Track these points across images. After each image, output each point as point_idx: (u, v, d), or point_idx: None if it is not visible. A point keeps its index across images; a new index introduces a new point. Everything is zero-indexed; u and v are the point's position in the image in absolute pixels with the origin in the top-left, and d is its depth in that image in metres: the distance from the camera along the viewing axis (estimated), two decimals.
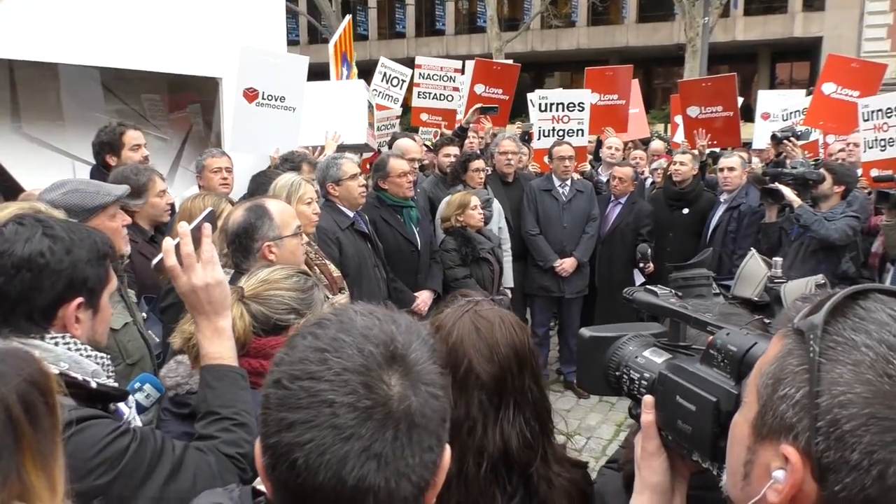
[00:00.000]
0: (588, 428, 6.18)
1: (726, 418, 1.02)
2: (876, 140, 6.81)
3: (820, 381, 0.78)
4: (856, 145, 7.19)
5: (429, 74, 9.43)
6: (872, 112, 6.85)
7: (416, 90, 9.46)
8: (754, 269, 2.14)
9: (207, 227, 1.88)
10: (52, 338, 1.62)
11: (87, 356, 1.67)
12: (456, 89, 9.40)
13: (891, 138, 6.60)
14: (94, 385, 1.60)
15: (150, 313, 3.63)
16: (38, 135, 5.60)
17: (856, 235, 5.45)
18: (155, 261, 1.89)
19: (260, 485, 1.12)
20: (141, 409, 2.25)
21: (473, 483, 1.47)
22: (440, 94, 9.43)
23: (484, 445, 1.46)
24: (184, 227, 1.84)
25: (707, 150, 7.64)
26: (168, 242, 1.82)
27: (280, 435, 0.90)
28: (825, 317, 0.81)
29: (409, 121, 10.73)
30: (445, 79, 9.43)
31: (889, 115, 6.66)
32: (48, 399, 1.03)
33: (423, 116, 9.43)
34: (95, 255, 1.72)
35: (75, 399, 1.57)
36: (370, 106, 6.92)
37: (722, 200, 6.59)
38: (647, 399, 1.20)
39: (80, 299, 1.67)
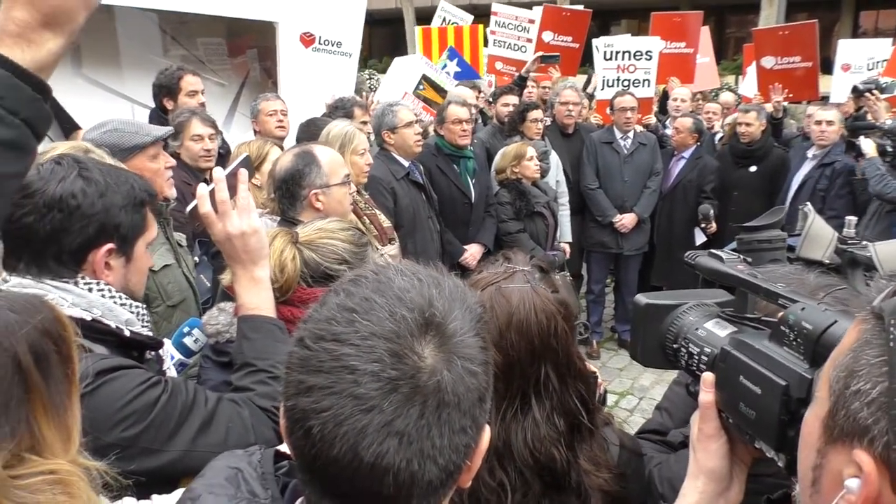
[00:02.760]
0: (641, 388, 6.06)
1: (797, 406, 0.90)
2: None
3: None
4: None
5: (504, 23, 9.11)
6: None
7: (491, 38, 9.17)
8: (821, 229, 1.96)
9: (243, 173, 1.81)
10: (86, 283, 1.58)
11: (122, 304, 1.63)
12: (529, 40, 9.05)
13: None
14: (126, 333, 1.57)
15: (203, 257, 3.65)
16: (98, 77, 5.66)
17: None
18: (189, 207, 1.85)
19: (286, 448, 1.06)
20: (190, 353, 2.25)
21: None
22: (514, 45, 9.12)
23: None
24: (218, 173, 1.78)
25: (782, 106, 7.21)
26: (202, 188, 1.76)
27: (297, 398, 0.82)
28: None
29: None
30: (520, 28, 9.10)
31: None
32: (61, 348, 0.99)
33: (498, 65, 9.11)
34: (131, 202, 1.66)
35: (108, 347, 1.56)
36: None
37: (809, 156, 6.15)
38: (707, 377, 1.09)
39: (110, 245, 1.62)
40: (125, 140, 2.85)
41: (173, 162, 3.16)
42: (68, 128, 4.52)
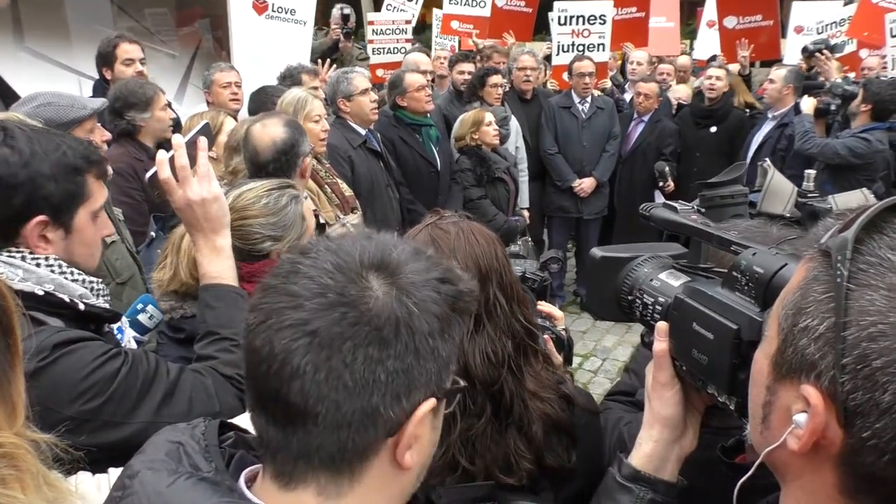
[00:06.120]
0: (604, 350, 6.16)
1: (748, 348, 0.92)
2: None
3: (847, 311, 0.66)
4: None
5: None
6: None
7: None
8: (782, 184, 1.99)
9: (203, 140, 1.79)
10: (33, 258, 1.52)
11: (74, 280, 1.58)
12: None
13: None
14: (81, 307, 1.53)
15: (160, 232, 3.59)
16: (43, 50, 5.47)
17: (856, 157, 5.16)
18: (149, 174, 1.81)
19: (237, 420, 1.04)
20: (145, 330, 2.21)
21: None
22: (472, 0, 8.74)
23: None
24: (178, 140, 1.75)
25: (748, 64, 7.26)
26: (162, 154, 1.73)
27: (248, 314, 0.85)
28: (856, 234, 0.68)
29: (427, 38, 10.30)
30: None
31: None
32: (2, 318, 0.96)
33: (454, 24, 8.72)
34: (62, 170, 1.54)
35: (64, 320, 1.52)
36: None
37: (769, 116, 6.21)
38: (661, 326, 1.10)
39: (40, 217, 1.53)
40: (62, 114, 2.76)
41: (108, 135, 3.11)
42: (10, 102, 4.37)
